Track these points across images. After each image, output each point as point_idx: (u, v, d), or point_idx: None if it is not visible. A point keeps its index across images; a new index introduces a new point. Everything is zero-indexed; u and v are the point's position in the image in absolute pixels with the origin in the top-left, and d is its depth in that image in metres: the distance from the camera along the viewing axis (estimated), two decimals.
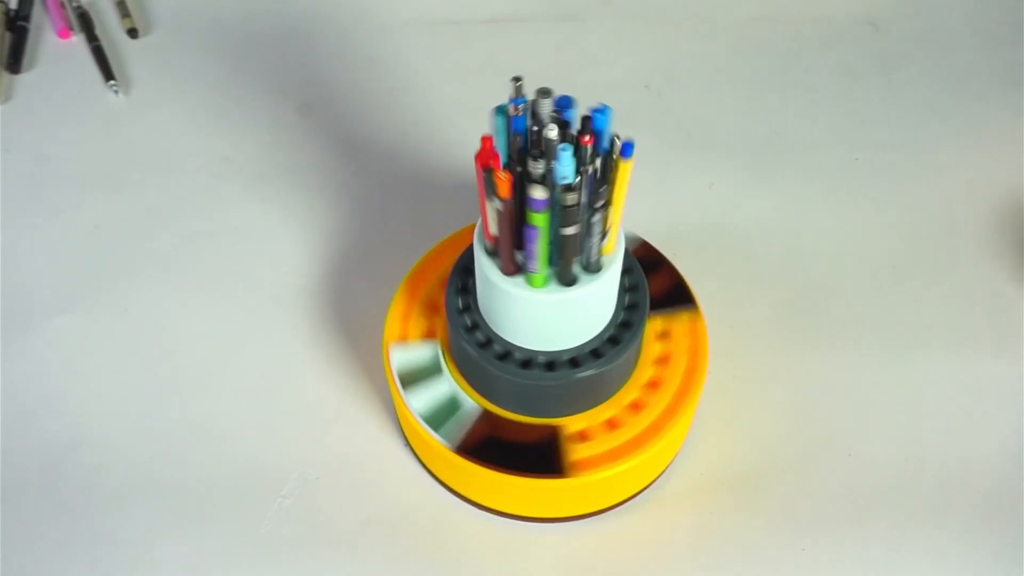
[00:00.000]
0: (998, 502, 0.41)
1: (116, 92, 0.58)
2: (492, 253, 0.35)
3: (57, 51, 0.61)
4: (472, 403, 0.40)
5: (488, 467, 0.38)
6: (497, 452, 0.38)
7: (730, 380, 0.45)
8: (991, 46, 0.61)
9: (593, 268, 0.35)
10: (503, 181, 0.32)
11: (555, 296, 0.35)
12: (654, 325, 0.42)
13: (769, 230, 0.52)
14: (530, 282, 0.35)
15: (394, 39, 0.62)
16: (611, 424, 0.39)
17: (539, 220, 0.32)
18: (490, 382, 0.39)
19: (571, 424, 0.39)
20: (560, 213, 0.32)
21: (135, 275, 0.50)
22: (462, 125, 0.57)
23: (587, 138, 0.32)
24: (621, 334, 0.38)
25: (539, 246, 0.33)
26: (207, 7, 0.64)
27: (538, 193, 0.31)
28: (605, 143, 0.33)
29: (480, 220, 0.35)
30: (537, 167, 0.32)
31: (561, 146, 0.31)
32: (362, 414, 0.45)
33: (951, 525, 0.41)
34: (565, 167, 0.31)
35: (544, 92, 0.32)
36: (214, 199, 0.53)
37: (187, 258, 0.51)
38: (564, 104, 0.33)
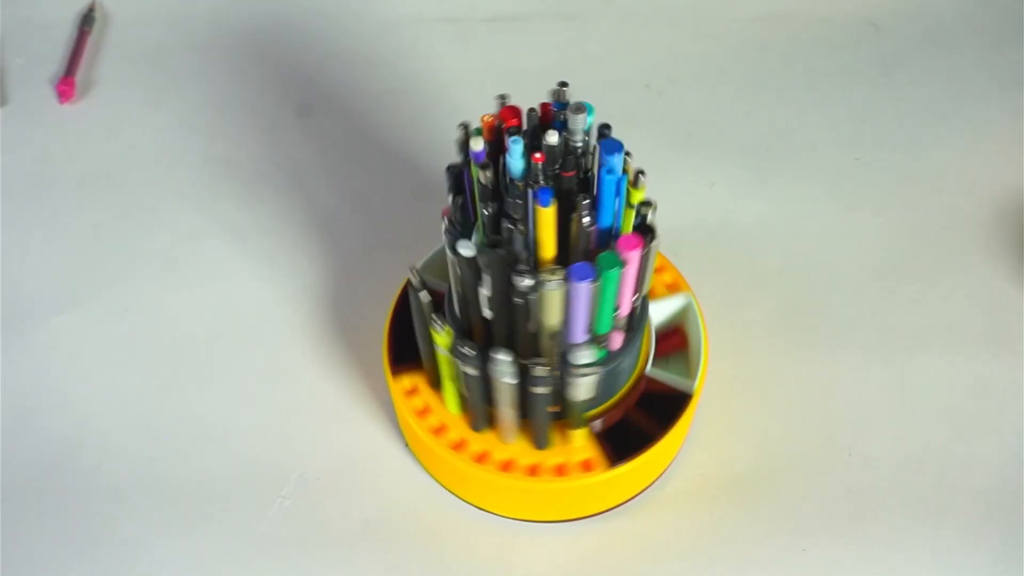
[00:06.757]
0: (998, 502, 0.41)
1: None
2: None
3: (56, 52, 0.62)
4: None
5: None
6: None
7: (730, 380, 0.45)
8: (991, 46, 0.61)
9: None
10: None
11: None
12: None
13: (769, 230, 0.52)
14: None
15: (394, 38, 0.62)
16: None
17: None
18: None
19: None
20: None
21: (135, 275, 0.50)
22: None
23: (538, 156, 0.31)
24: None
25: None
26: (208, 7, 0.64)
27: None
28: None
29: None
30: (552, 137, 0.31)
31: (512, 139, 0.31)
32: (362, 414, 0.45)
33: (951, 525, 0.41)
34: (515, 161, 0.31)
35: (577, 108, 0.31)
36: (214, 199, 0.53)
37: (187, 258, 0.51)
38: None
